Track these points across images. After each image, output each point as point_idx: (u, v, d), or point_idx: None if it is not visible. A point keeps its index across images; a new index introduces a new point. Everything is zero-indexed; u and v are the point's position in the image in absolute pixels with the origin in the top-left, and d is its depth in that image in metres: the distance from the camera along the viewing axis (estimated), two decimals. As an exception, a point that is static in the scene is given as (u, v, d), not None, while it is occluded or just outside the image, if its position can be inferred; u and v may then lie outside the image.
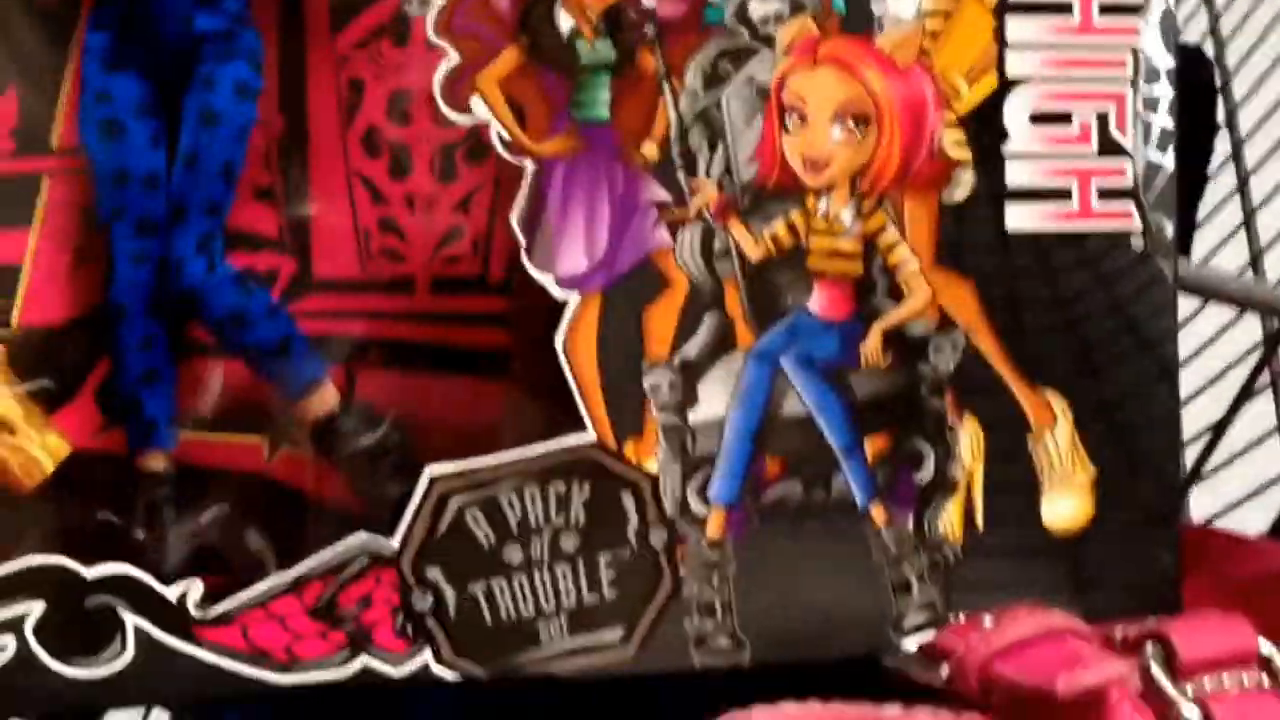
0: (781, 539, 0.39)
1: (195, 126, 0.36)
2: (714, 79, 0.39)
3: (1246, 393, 0.54)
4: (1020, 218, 0.40)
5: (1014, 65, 0.40)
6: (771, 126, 0.39)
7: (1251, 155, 0.63)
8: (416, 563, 0.36)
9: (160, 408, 0.37)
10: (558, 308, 0.38)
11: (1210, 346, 0.61)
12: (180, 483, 0.37)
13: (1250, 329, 0.57)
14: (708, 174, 0.39)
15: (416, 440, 0.38)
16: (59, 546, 0.35)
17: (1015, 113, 0.40)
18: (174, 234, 0.36)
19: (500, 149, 0.37)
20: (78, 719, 0.61)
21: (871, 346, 0.40)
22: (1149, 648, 0.33)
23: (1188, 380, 0.47)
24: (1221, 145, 0.62)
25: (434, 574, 0.37)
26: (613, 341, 0.38)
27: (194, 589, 0.35)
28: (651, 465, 0.38)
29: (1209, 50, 0.65)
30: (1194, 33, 0.67)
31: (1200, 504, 0.55)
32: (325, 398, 0.38)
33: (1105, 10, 0.40)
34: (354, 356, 0.38)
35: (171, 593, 0.35)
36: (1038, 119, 0.40)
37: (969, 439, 0.40)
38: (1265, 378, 0.55)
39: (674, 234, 0.39)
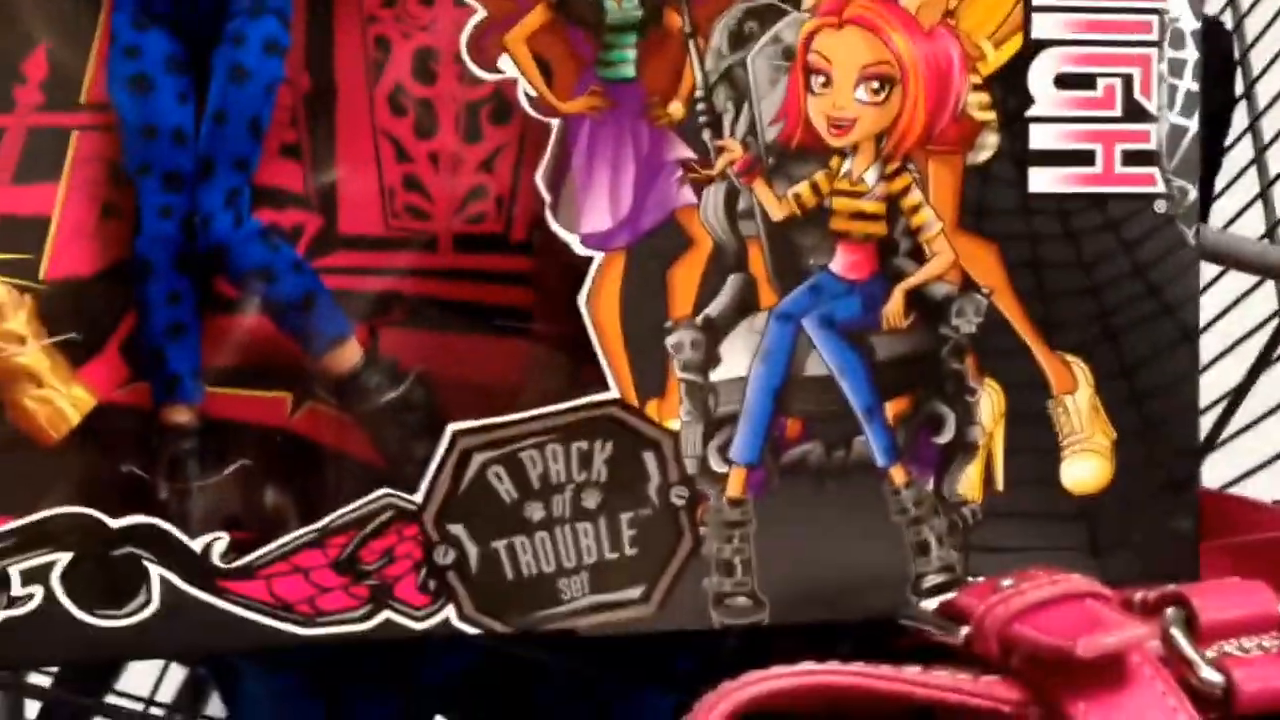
0: (802, 499, 0.39)
1: (224, 83, 0.36)
2: (740, 39, 0.39)
3: (1265, 360, 0.54)
4: (1044, 181, 0.40)
5: (1040, 27, 0.40)
6: (796, 87, 0.39)
7: (1269, 126, 0.63)
8: (439, 518, 0.37)
9: (186, 362, 0.37)
10: (580, 266, 0.38)
11: (1227, 314, 0.61)
12: (204, 436, 0.37)
13: (1267, 296, 0.57)
14: (732, 134, 0.39)
15: (439, 397, 0.38)
16: (84, 498, 0.35)
17: (1040, 75, 0.40)
18: (201, 189, 0.36)
19: (527, 107, 0.37)
20: (98, 671, 0.62)
21: (893, 308, 0.40)
22: (1169, 611, 0.33)
23: (1204, 348, 0.47)
24: (1239, 116, 0.62)
25: (456, 530, 0.37)
26: (636, 300, 0.38)
27: (219, 542, 0.35)
28: (673, 424, 0.38)
29: (1228, 21, 0.65)
30: (1214, 4, 0.66)
31: (1217, 472, 0.55)
32: (349, 354, 0.38)
33: (1132, -27, 0.40)
34: (377, 313, 0.38)
35: (196, 545, 0.35)
36: (1062, 82, 0.40)
37: (990, 401, 0.40)
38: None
39: (698, 193, 0.39)
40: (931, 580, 0.40)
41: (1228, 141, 0.61)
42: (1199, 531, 0.42)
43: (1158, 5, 0.41)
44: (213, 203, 0.36)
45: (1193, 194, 0.41)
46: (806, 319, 0.39)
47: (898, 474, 0.40)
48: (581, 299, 0.38)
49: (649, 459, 0.38)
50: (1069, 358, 0.41)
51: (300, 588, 0.36)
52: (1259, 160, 0.62)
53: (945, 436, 0.40)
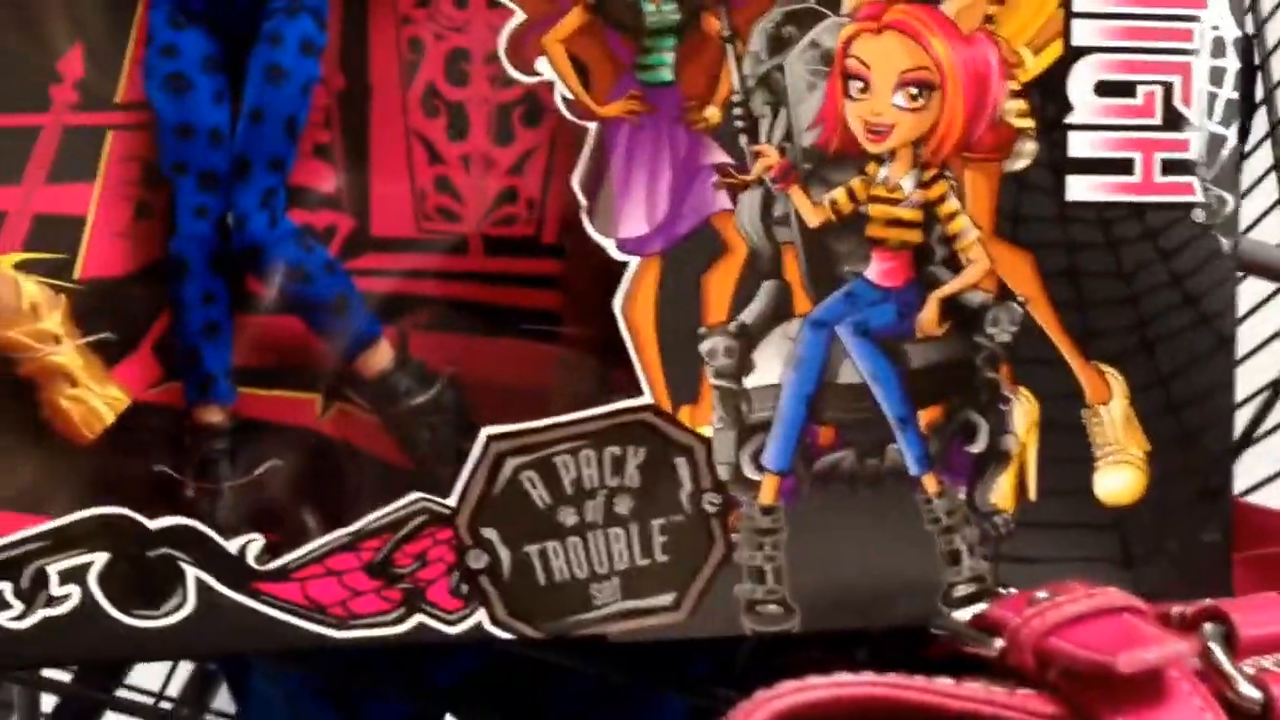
0: (833, 507, 0.39)
1: (260, 82, 0.36)
2: (778, 43, 0.38)
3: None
4: (1081, 189, 0.40)
5: (1080, 34, 0.40)
6: (834, 92, 0.39)
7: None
8: (472, 522, 0.37)
9: (219, 361, 0.37)
10: (612, 270, 0.38)
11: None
12: (235, 437, 0.37)
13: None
14: (769, 139, 0.38)
15: (469, 400, 0.38)
16: (118, 498, 0.35)
17: (1080, 82, 0.40)
18: (237, 189, 0.36)
19: (564, 110, 0.37)
20: (110, 666, 0.62)
21: (928, 316, 0.40)
22: (1208, 626, 0.33)
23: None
24: (1259, 122, 0.62)
25: (489, 534, 0.37)
26: (671, 306, 0.38)
27: (254, 543, 0.35)
28: (706, 430, 0.38)
29: (1248, 27, 0.64)
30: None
31: (1251, 472, 0.55)
32: (380, 356, 0.38)
33: (1174, -20, 0.40)
34: (407, 316, 0.38)
35: (232, 546, 0.35)
36: (1102, 89, 0.40)
37: (1023, 411, 0.40)
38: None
39: (734, 199, 0.38)
40: (962, 590, 0.40)
41: (1247, 147, 0.60)
42: (1232, 542, 0.41)
43: (1199, 13, 0.40)
44: (248, 203, 0.36)
45: (1230, 203, 0.41)
46: (840, 326, 0.39)
47: (930, 482, 0.40)
48: (617, 304, 0.37)
49: (681, 465, 0.38)
50: (1104, 367, 0.40)
51: (334, 590, 0.36)
52: (1279, 166, 0.62)
53: (978, 445, 0.40)
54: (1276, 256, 0.50)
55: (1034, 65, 0.40)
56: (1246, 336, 0.59)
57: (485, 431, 0.37)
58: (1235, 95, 0.41)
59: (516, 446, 0.37)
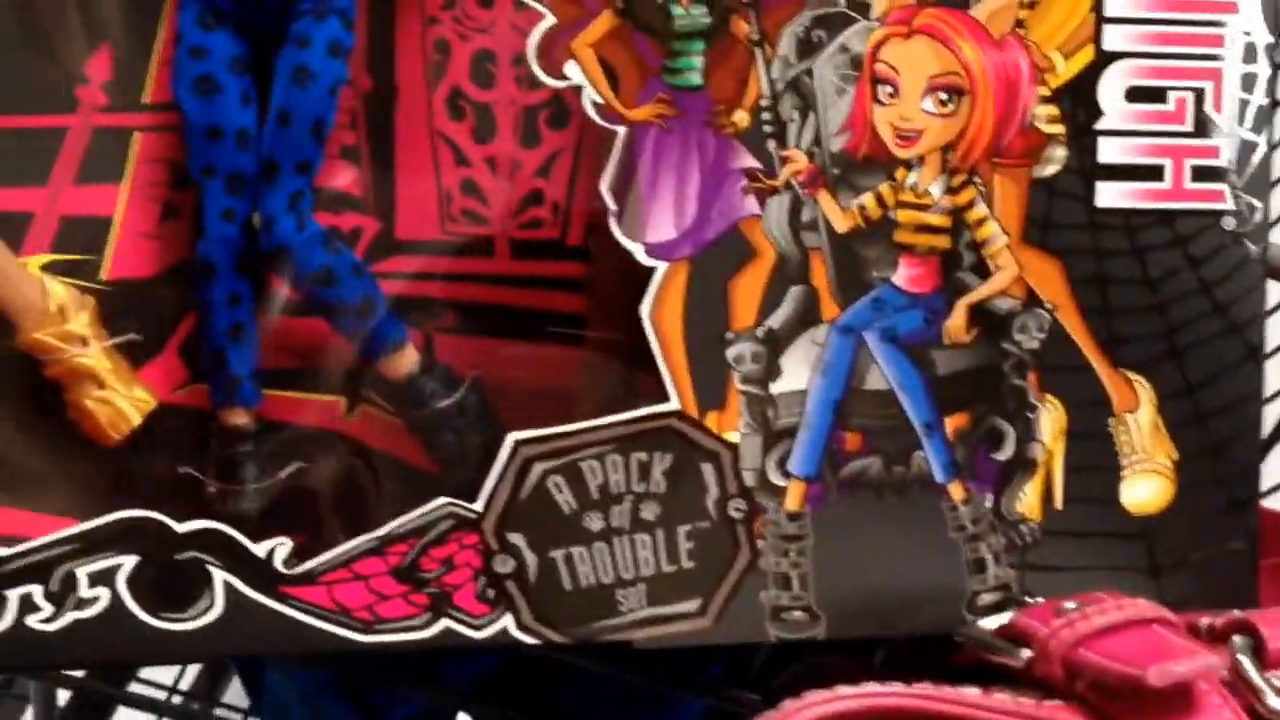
0: (860, 513, 0.39)
1: (288, 85, 0.36)
2: (807, 47, 0.38)
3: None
4: (1111, 195, 0.40)
5: (1111, 39, 0.39)
6: (863, 96, 0.38)
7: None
8: (499, 527, 0.36)
9: (245, 364, 0.37)
10: (639, 274, 0.38)
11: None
12: (260, 439, 0.37)
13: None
14: (797, 143, 0.38)
15: (493, 404, 0.38)
16: (143, 500, 0.35)
17: (1110, 88, 0.40)
18: (265, 192, 0.36)
19: (593, 114, 0.37)
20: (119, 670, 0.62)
21: (956, 323, 0.39)
22: (1237, 639, 0.33)
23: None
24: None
25: (516, 539, 0.37)
26: (698, 311, 0.38)
27: (282, 547, 0.35)
28: (732, 436, 0.38)
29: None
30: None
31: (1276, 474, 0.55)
32: (406, 359, 0.38)
33: (1206, -15, 0.40)
34: (432, 318, 0.38)
35: (260, 550, 0.35)
36: (1133, 95, 0.40)
37: (1050, 419, 0.40)
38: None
39: (762, 204, 0.38)
40: (987, 598, 0.40)
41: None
42: (1258, 552, 0.41)
43: (1231, 18, 0.40)
44: (276, 206, 0.36)
45: (1261, 211, 0.41)
46: (868, 332, 0.39)
47: (956, 490, 0.40)
48: (644, 309, 0.37)
49: (708, 471, 0.38)
50: (1132, 375, 0.40)
51: (360, 595, 0.36)
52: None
53: (1005, 453, 0.40)
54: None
55: (1065, 70, 0.39)
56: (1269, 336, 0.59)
57: (512, 436, 0.37)
58: (1266, 101, 0.41)
59: (544, 451, 0.37)
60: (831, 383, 0.39)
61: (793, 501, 0.39)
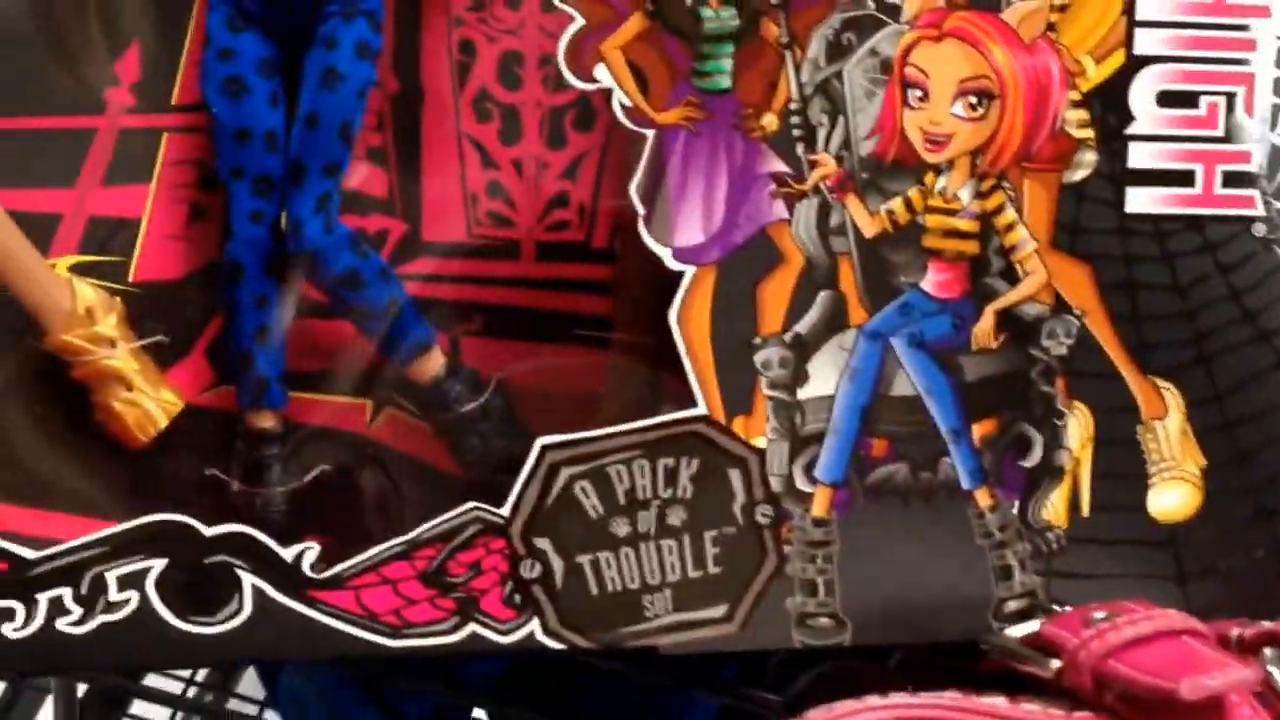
0: (886, 519, 0.39)
1: (316, 87, 0.36)
2: (837, 50, 0.38)
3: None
4: (1141, 201, 0.40)
5: (1142, 44, 0.39)
6: (893, 100, 0.38)
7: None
8: (526, 532, 0.36)
9: (273, 366, 0.37)
10: (666, 277, 0.37)
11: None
12: (286, 441, 0.37)
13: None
14: (826, 147, 0.38)
15: (519, 406, 0.38)
16: (171, 503, 0.35)
17: (1141, 93, 0.39)
18: (293, 194, 0.36)
19: (622, 117, 0.37)
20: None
21: (984, 328, 0.39)
22: (1268, 651, 0.33)
23: None
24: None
25: (543, 544, 0.36)
26: (725, 316, 0.37)
27: (310, 551, 0.35)
28: (759, 442, 0.38)
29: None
30: None
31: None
32: (432, 362, 0.38)
33: (1239, -10, 0.39)
34: (459, 321, 0.38)
35: (288, 554, 0.35)
36: (1164, 100, 0.39)
37: (1078, 425, 0.40)
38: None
39: (790, 208, 0.38)
40: (1013, 605, 0.39)
41: None
42: (1284, 559, 0.41)
43: (1263, 22, 0.40)
44: (304, 208, 0.36)
45: (1292, 217, 0.40)
46: (896, 338, 0.39)
47: (983, 497, 0.39)
48: (672, 314, 0.37)
49: (734, 476, 0.38)
50: (1160, 382, 0.40)
51: (388, 599, 0.35)
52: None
53: (1032, 460, 0.40)
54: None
55: (1096, 74, 0.39)
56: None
57: (540, 441, 0.36)
58: (1298, 107, 0.40)
59: (571, 456, 0.37)
60: (859, 388, 0.39)
61: (819, 507, 0.38)
